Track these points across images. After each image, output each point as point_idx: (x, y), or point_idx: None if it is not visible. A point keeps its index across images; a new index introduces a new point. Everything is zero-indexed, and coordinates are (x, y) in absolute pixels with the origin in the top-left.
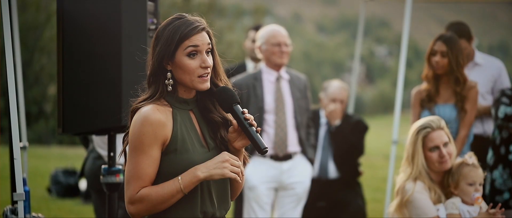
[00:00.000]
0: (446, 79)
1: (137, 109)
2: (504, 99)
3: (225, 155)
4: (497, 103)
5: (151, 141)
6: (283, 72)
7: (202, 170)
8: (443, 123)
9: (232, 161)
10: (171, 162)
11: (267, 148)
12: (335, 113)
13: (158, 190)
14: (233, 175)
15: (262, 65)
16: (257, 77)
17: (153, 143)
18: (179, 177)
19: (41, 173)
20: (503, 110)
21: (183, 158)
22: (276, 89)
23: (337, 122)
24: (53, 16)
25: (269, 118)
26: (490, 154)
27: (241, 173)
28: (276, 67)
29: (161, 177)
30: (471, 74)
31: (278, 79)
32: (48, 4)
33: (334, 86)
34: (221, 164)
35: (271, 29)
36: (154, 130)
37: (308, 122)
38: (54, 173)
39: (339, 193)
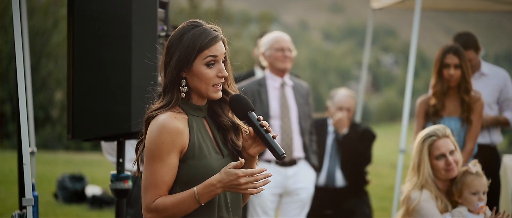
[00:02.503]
0: (454, 91)
1: (152, 117)
2: None
3: (241, 180)
4: None
5: (169, 149)
6: (287, 78)
7: (221, 188)
8: (448, 131)
9: (247, 180)
10: (190, 168)
11: (285, 154)
12: (342, 122)
13: (174, 201)
14: (256, 191)
15: (266, 72)
16: (261, 83)
17: (171, 151)
18: (195, 192)
19: (47, 179)
20: None
21: (201, 165)
22: (280, 95)
23: (344, 130)
24: (60, 22)
25: (275, 123)
26: None
27: (261, 183)
28: (280, 72)
29: (179, 184)
30: (478, 84)
31: (283, 85)
32: (55, 9)
33: (341, 94)
34: (239, 188)
35: (274, 35)
36: (173, 138)
37: (310, 129)
38: (61, 179)
39: (346, 201)
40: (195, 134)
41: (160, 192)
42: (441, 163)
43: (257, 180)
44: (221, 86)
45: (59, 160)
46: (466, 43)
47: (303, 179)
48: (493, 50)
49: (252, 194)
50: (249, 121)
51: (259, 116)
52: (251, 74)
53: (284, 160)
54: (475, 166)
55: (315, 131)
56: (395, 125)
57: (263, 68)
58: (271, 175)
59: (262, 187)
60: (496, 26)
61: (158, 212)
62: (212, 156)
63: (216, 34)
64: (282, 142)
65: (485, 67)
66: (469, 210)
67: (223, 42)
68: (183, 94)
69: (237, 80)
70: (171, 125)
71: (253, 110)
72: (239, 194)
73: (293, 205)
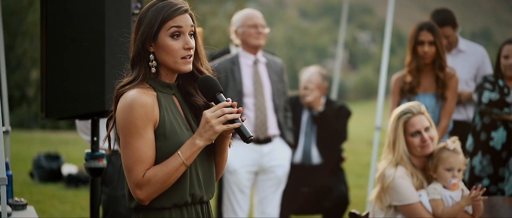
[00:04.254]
0: (428, 67)
1: (121, 94)
2: (487, 85)
3: (206, 115)
4: (480, 88)
5: (144, 123)
6: (260, 55)
7: (199, 139)
8: (423, 108)
9: (214, 114)
10: (162, 146)
11: (252, 136)
12: (313, 103)
13: (163, 168)
14: (226, 126)
15: (239, 49)
16: (234, 61)
17: (147, 124)
18: (179, 152)
19: (23, 158)
20: (487, 96)
21: (173, 142)
22: (254, 72)
23: (319, 108)
24: (36, 0)
25: (249, 101)
26: (470, 140)
27: (232, 116)
28: (253, 50)
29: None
30: (455, 60)
31: (256, 62)
32: None
33: (305, 74)
34: (208, 125)
35: (246, 12)
36: (145, 111)
37: (285, 106)
38: (37, 158)
39: (322, 179)
40: (164, 110)
41: (147, 167)
42: (416, 140)
43: (224, 112)
44: (191, 59)
45: (35, 139)
46: (443, 20)
47: (278, 157)
48: (470, 28)
49: (226, 128)
50: (218, 103)
51: (228, 98)
52: (227, 52)
53: (259, 138)
54: (454, 143)
55: (290, 108)
56: (372, 103)
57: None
58: (236, 105)
59: (235, 115)
60: (472, 3)
61: (150, 185)
62: (183, 133)
63: (180, 5)
64: (256, 120)
65: (463, 43)
66: (445, 187)
67: (191, 16)
68: (153, 69)
69: (212, 58)
70: (141, 99)
71: (222, 92)
72: (212, 171)
73: (269, 183)
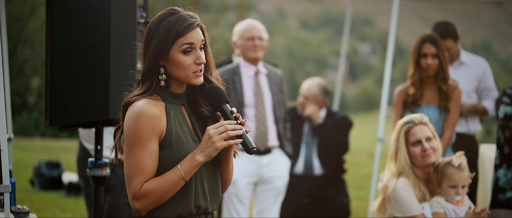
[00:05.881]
0: (431, 80)
1: (129, 103)
2: (505, 99)
3: (209, 131)
4: (498, 102)
5: (149, 134)
6: (261, 66)
7: (199, 154)
8: (426, 119)
9: (217, 131)
10: (167, 156)
11: (255, 148)
12: (312, 116)
13: (161, 181)
14: (227, 143)
15: (240, 60)
16: (235, 72)
17: (151, 136)
18: (179, 166)
19: (24, 165)
20: (503, 110)
21: (179, 152)
22: (255, 83)
23: (319, 120)
24: (37, 8)
25: (249, 112)
26: (496, 153)
27: (234, 132)
28: (253, 61)
29: (158, 172)
30: (457, 73)
31: (257, 73)
32: None
33: (305, 84)
34: (210, 142)
35: (246, 24)
36: (151, 123)
37: (285, 117)
38: (37, 165)
39: (323, 190)
40: (172, 121)
41: (146, 178)
42: (417, 150)
43: (227, 129)
44: (202, 72)
45: (36, 147)
46: (445, 32)
47: (277, 168)
48: (470, 40)
49: (226, 145)
50: (223, 113)
51: (232, 108)
52: (229, 62)
53: (259, 149)
54: (459, 158)
55: (289, 118)
56: (372, 114)
57: None
58: (242, 121)
59: (238, 131)
60: (473, 15)
61: (147, 197)
62: (189, 144)
63: (192, 21)
64: (256, 131)
65: (465, 56)
66: (448, 200)
67: (202, 29)
68: (162, 83)
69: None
70: (148, 111)
71: (228, 102)
72: (217, 182)
73: (268, 194)
